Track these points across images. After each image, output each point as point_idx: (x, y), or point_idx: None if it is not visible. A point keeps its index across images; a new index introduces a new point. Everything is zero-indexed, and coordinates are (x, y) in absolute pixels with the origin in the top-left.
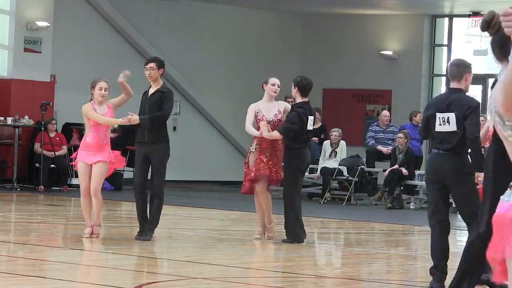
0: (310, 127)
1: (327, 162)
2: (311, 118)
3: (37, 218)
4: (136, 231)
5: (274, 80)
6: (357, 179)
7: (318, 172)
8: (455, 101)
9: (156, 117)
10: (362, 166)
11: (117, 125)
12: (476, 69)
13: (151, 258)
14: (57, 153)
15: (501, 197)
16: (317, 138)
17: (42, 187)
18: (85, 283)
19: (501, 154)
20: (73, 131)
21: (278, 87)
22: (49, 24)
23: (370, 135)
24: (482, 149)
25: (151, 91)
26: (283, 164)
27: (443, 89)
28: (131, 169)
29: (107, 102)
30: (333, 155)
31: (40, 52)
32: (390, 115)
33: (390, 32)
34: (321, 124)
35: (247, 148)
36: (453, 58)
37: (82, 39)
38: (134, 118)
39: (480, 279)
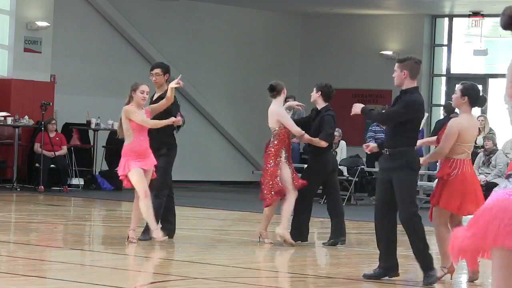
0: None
1: None
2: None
3: (37, 218)
4: (136, 231)
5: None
6: (357, 179)
7: None
8: None
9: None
10: (362, 166)
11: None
12: (476, 69)
13: (151, 258)
14: (57, 153)
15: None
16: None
17: (42, 187)
18: (85, 283)
19: None
20: (73, 131)
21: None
22: (49, 24)
23: (370, 135)
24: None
25: (156, 96)
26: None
27: (443, 89)
28: None
29: (146, 107)
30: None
31: (40, 52)
32: None
33: (390, 32)
34: None
35: (269, 158)
36: (453, 58)
37: (82, 39)
38: (178, 120)
39: None
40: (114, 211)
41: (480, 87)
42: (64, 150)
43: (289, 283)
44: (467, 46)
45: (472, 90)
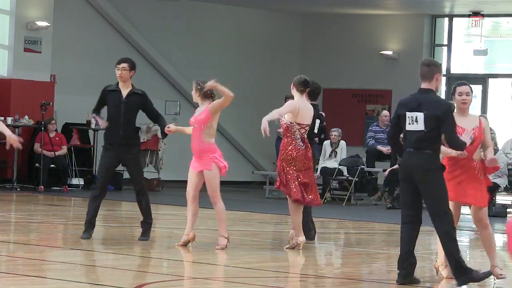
0: (315, 130)
1: (327, 162)
2: (317, 121)
3: (37, 218)
4: (136, 231)
5: None
6: (357, 179)
7: (318, 172)
8: (426, 102)
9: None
10: (362, 166)
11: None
12: (476, 69)
13: (151, 258)
14: (57, 153)
15: None
16: (317, 138)
17: (42, 187)
18: (85, 283)
19: None
20: (73, 131)
21: None
22: (49, 24)
23: (370, 135)
24: None
25: (125, 92)
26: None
27: (443, 89)
28: None
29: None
30: (333, 155)
31: (40, 52)
32: (390, 115)
33: (390, 32)
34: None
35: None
36: (453, 58)
37: (82, 39)
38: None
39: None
40: (114, 211)
41: (480, 87)
42: (64, 150)
43: (289, 283)
44: (467, 46)
45: None
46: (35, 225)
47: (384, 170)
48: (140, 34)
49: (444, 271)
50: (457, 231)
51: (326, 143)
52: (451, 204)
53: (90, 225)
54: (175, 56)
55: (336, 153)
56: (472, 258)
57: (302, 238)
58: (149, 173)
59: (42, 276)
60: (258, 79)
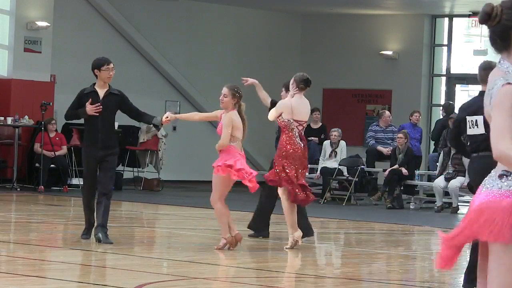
0: None
1: (327, 162)
2: None
3: (37, 218)
4: (136, 231)
5: None
6: (357, 179)
7: (318, 172)
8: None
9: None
10: (362, 166)
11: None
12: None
13: (151, 258)
14: (57, 153)
15: (488, 185)
16: (317, 138)
17: (42, 187)
18: (85, 283)
19: None
20: (73, 131)
21: None
22: (49, 24)
23: (370, 135)
24: None
25: (102, 92)
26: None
27: (443, 89)
28: (131, 169)
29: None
30: (333, 155)
31: (40, 52)
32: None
33: (390, 32)
34: (321, 124)
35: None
36: (453, 58)
37: (82, 39)
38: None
39: None
40: (114, 211)
41: (479, 87)
42: (64, 150)
43: (289, 283)
44: (467, 46)
45: None
46: (35, 225)
47: (384, 170)
48: (140, 34)
49: None
50: None
51: (326, 143)
52: None
53: (90, 225)
54: (175, 56)
55: (336, 153)
56: None
57: (298, 233)
58: (149, 173)
59: (42, 276)
60: (258, 79)
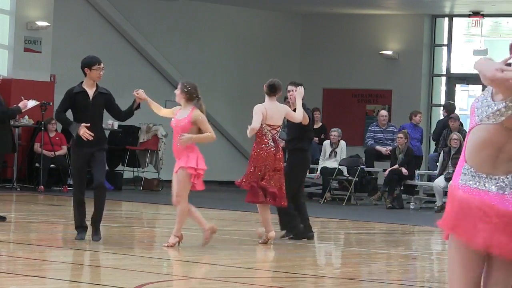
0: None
1: (327, 162)
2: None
3: (37, 218)
4: (136, 231)
5: None
6: (357, 179)
7: (318, 172)
8: None
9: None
10: (362, 166)
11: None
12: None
13: (151, 258)
14: (57, 153)
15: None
16: (317, 138)
17: (42, 187)
18: (85, 283)
19: None
20: None
21: None
22: (49, 24)
23: (370, 135)
24: None
25: (91, 92)
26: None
27: (443, 89)
28: (131, 168)
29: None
30: (333, 155)
31: (40, 52)
32: (390, 115)
33: (390, 32)
34: (321, 124)
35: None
36: (453, 58)
37: (82, 39)
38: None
39: None
40: (114, 211)
41: (479, 87)
42: (64, 150)
43: (289, 283)
44: (467, 46)
45: None
46: (35, 225)
47: (384, 170)
48: (140, 34)
49: None
50: None
51: (326, 143)
52: None
53: (83, 227)
54: (175, 56)
55: (336, 153)
56: None
57: (272, 234)
58: (149, 173)
59: (42, 276)
60: (258, 79)
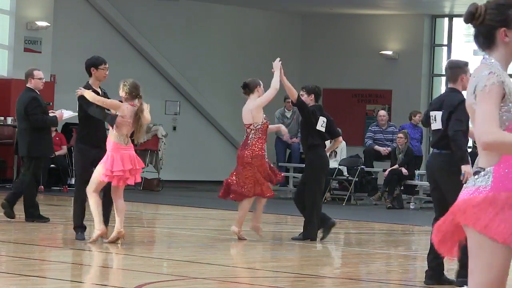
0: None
1: None
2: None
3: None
4: (136, 231)
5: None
6: (357, 179)
7: None
8: (446, 100)
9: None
10: (362, 166)
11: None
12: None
13: (151, 258)
14: (57, 153)
15: (468, 184)
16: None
17: (42, 187)
18: (85, 283)
19: None
20: (73, 131)
21: None
22: (49, 24)
23: (369, 135)
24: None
25: (99, 91)
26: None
27: (443, 89)
28: None
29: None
30: (333, 155)
31: (40, 52)
32: (390, 115)
33: (390, 32)
34: None
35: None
36: (452, 58)
37: (82, 39)
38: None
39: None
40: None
41: None
42: (64, 150)
43: (289, 283)
44: (467, 46)
45: None
46: (35, 225)
47: (384, 170)
48: (140, 34)
49: None
50: None
51: (326, 143)
52: None
53: (83, 226)
54: (175, 56)
55: (336, 153)
56: None
57: (233, 228)
58: (149, 173)
59: (42, 276)
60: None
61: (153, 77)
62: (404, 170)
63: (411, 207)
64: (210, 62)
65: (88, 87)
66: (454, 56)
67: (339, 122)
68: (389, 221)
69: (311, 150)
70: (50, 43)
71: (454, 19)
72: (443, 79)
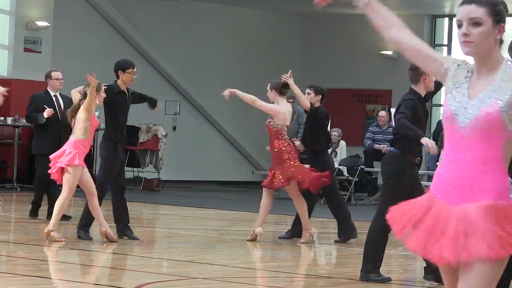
0: None
1: None
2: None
3: (37, 218)
4: (136, 231)
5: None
6: (357, 179)
7: None
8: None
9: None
10: (362, 166)
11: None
12: None
13: (151, 258)
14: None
15: None
16: None
17: None
18: (85, 283)
19: None
20: None
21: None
22: (49, 24)
23: (368, 136)
24: None
25: (127, 93)
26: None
27: (443, 89)
28: (131, 169)
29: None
30: (333, 155)
31: (40, 52)
32: (390, 115)
33: None
34: None
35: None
36: None
37: (82, 39)
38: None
39: None
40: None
41: None
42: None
43: (289, 283)
44: None
45: None
46: (35, 225)
47: None
48: (140, 34)
49: None
50: None
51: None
52: None
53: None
54: (175, 56)
55: (336, 153)
56: None
57: (258, 229)
58: (149, 173)
59: (42, 276)
60: (258, 79)
61: (153, 77)
62: None
63: None
64: (210, 62)
65: (113, 86)
66: (454, 56)
67: (339, 122)
68: None
69: (319, 155)
70: (50, 43)
71: (454, 19)
72: None
